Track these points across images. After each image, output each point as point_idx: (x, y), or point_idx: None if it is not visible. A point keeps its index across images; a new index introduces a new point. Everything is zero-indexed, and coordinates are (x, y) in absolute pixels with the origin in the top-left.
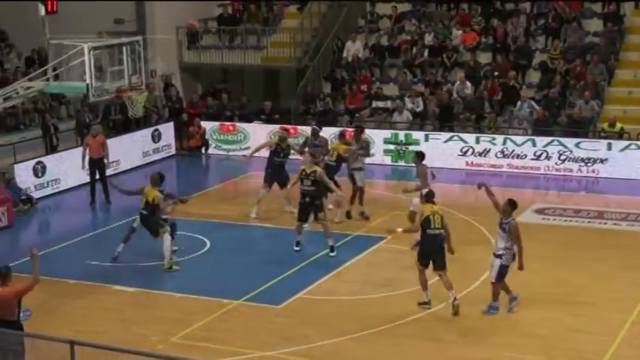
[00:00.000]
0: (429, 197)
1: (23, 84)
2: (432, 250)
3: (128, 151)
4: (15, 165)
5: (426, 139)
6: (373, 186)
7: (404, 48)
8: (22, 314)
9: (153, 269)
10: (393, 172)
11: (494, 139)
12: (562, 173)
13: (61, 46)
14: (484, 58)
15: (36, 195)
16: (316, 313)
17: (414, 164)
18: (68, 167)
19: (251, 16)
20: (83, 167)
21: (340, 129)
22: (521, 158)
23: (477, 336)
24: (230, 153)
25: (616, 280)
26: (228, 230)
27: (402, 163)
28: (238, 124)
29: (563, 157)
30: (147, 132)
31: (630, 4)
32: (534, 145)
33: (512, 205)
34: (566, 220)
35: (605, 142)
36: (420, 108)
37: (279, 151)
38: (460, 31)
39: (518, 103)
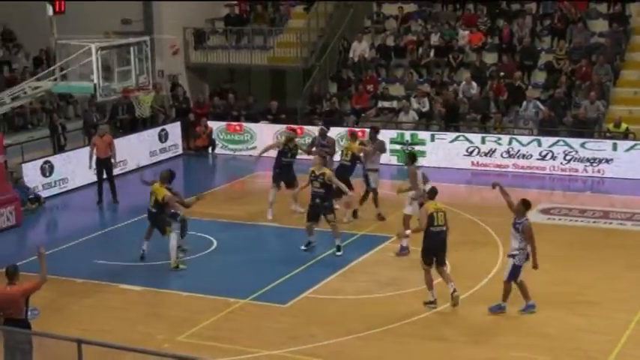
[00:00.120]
0: (432, 194)
1: (31, 84)
2: (436, 246)
3: (135, 150)
4: (23, 164)
5: (432, 139)
6: (379, 186)
7: (410, 48)
8: (29, 313)
9: (160, 268)
10: (398, 172)
11: (499, 139)
12: (567, 173)
13: (69, 46)
14: (490, 58)
15: (44, 194)
16: (322, 313)
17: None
18: (76, 167)
19: (258, 17)
20: (90, 167)
21: (349, 129)
22: (526, 158)
23: (482, 335)
24: (237, 153)
25: (621, 279)
26: (234, 230)
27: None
28: (245, 124)
29: (568, 157)
30: (154, 132)
31: (636, 5)
32: (540, 145)
33: (525, 205)
34: (571, 220)
35: (610, 142)
36: (426, 108)
37: (286, 151)
38: (467, 32)
39: (524, 103)
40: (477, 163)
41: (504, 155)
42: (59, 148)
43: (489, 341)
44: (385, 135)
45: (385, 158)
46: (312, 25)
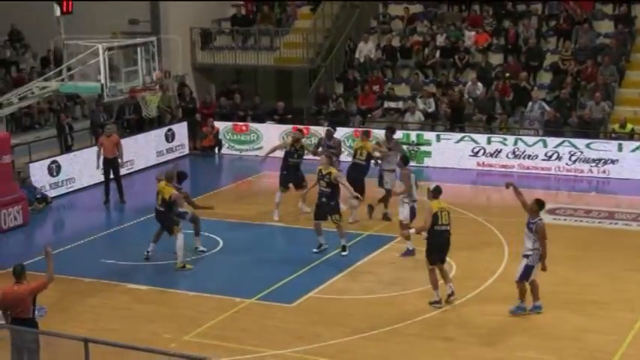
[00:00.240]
0: (436, 193)
1: (38, 84)
2: (440, 245)
3: (142, 150)
4: (30, 164)
5: (438, 139)
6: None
7: (416, 49)
8: (37, 312)
9: (166, 268)
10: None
11: (505, 139)
12: (573, 174)
13: (76, 47)
14: (495, 59)
15: (51, 194)
16: (328, 312)
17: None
18: (83, 166)
19: (264, 17)
20: (98, 167)
21: (355, 128)
22: (532, 159)
23: (487, 335)
24: (243, 153)
25: (627, 280)
26: (240, 229)
27: (413, 163)
28: (251, 125)
29: (573, 158)
30: (160, 132)
31: None
32: (545, 145)
33: (539, 204)
34: (576, 221)
35: (615, 142)
36: (432, 109)
37: (292, 152)
38: (473, 32)
39: (530, 104)
40: (483, 163)
41: (510, 156)
42: (66, 148)
43: (494, 341)
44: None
45: None
46: (319, 25)
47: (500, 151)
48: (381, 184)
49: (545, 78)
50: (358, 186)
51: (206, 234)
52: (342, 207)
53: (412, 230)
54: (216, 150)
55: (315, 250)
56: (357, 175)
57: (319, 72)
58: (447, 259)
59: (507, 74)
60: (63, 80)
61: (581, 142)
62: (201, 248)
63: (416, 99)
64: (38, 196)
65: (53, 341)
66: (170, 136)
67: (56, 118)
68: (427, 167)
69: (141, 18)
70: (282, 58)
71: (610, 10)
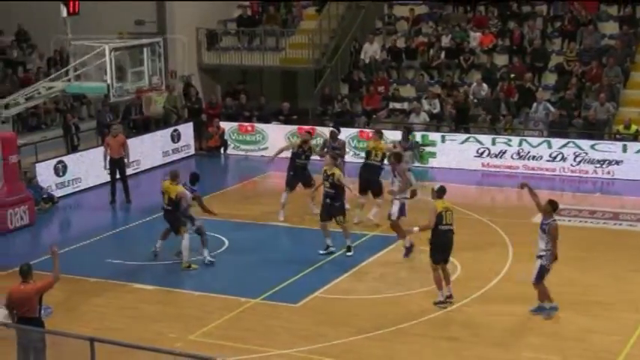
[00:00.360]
0: (440, 193)
1: (45, 84)
2: (444, 245)
3: (148, 151)
4: (36, 164)
5: (443, 140)
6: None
7: (421, 50)
8: (43, 311)
9: (172, 268)
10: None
11: (510, 140)
12: (577, 175)
13: (83, 47)
14: (500, 60)
15: (57, 194)
16: (333, 312)
17: (391, 165)
18: (89, 166)
19: (270, 18)
20: (105, 167)
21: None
22: (536, 160)
23: (492, 336)
24: (248, 153)
25: (631, 280)
26: (246, 230)
27: (417, 163)
28: (257, 125)
29: (578, 159)
30: (166, 132)
31: None
32: (550, 146)
33: (552, 205)
34: (581, 221)
35: (620, 144)
36: (437, 109)
37: (300, 153)
38: (478, 33)
39: (534, 105)
40: (488, 164)
41: (514, 157)
42: (72, 148)
43: (499, 341)
44: (396, 136)
45: None
46: (324, 26)
47: (504, 152)
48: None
49: (550, 79)
50: (375, 187)
51: (212, 234)
52: (347, 207)
53: (416, 228)
54: (222, 150)
55: (321, 251)
56: (370, 175)
57: (324, 73)
58: (452, 259)
59: (512, 75)
60: (69, 80)
61: (585, 143)
62: (209, 259)
63: (421, 100)
64: (44, 196)
65: (59, 340)
66: (176, 137)
67: (62, 119)
68: (432, 168)
69: (147, 19)
70: (287, 59)
71: (615, 11)
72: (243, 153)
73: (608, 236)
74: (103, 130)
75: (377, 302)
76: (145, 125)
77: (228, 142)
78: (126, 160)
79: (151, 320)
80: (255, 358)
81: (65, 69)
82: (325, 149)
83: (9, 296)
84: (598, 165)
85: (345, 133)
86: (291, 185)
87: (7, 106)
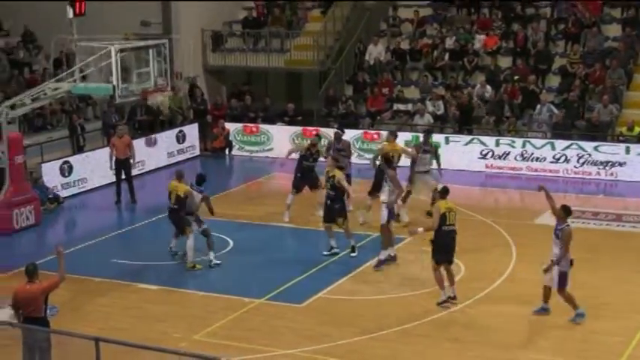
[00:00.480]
0: (443, 194)
1: (51, 85)
2: (447, 246)
3: (153, 151)
4: (42, 164)
5: (447, 141)
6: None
7: (425, 52)
8: (48, 311)
9: (176, 268)
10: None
11: (513, 142)
12: (581, 176)
13: (89, 48)
14: (504, 62)
15: (63, 194)
16: (337, 313)
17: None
18: (94, 167)
19: (275, 20)
20: (111, 168)
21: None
22: (540, 161)
23: (495, 336)
24: (253, 154)
25: (634, 282)
26: (250, 230)
27: (434, 166)
28: (261, 126)
29: (581, 161)
30: (172, 133)
31: None
32: (553, 148)
33: (566, 211)
34: (584, 223)
35: (623, 145)
36: (441, 111)
37: (308, 155)
38: (483, 36)
39: (538, 106)
40: (491, 165)
41: (518, 158)
42: (78, 149)
43: (502, 342)
44: (400, 137)
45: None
46: (329, 28)
47: (508, 154)
48: (410, 184)
49: (554, 81)
50: None
51: (216, 234)
52: (350, 208)
53: (420, 229)
54: (227, 151)
55: (325, 252)
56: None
57: (329, 74)
58: (456, 260)
59: (516, 77)
60: (75, 81)
61: (589, 145)
62: (215, 262)
63: (425, 101)
64: (50, 196)
65: (64, 340)
66: (181, 138)
67: (68, 119)
68: (436, 169)
69: (152, 20)
70: (292, 61)
71: (618, 13)
72: (247, 154)
73: (611, 238)
74: (108, 131)
75: (381, 303)
76: (150, 126)
77: (233, 143)
78: (132, 161)
79: (156, 320)
80: (260, 358)
81: (71, 70)
82: (330, 151)
83: (15, 296)
84: (601, 167)
85: (350, 135)
86: (297, 187)
87: (13, 107)
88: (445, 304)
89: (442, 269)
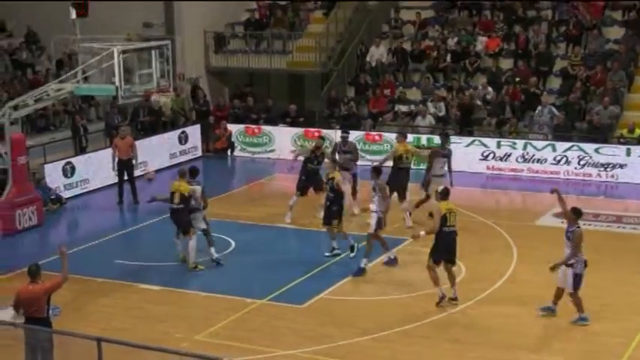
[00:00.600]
0: (444, 195)
1: (54, 86)
2: (447, 246)
3: (156, 152)
4: (45, 165)
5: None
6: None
7: (427, 53)
8: (51, 311)
9: (178, 268)
10: (414, 176)
11: (514, 143)
12: (581, 178)
13: (91, 49)
14: (506, 64)
15: (65, 195)
16: (338, 313)
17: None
18: (97, 168)
19: (277, 21)
20: (114, 169)
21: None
22: (541, 163)
23: (496, 337)
24: (255, 155)
25: (634, 283)
26: (252, 231)
27: (423, 166)
28: (263, 127)
29: (582, 162)
30: (174, 134)
31: None
32: (554, 150)
33: (576, 213)
34: (585, 224)
35: (624, 147)
36: (443, 112)
37: (313, 158)
38: (484, 38)
39: (539, 108)
40: (492, 167)
41: (519, 160)
42: (81, 150)
43: (502, 343)
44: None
45: None
46: (331, 30)
47: (509, 155)
48: (426, 188)
49: (555, 83)
50: (404, 191)
51: (218, 235)
52: (355, 211)
53: (422, 233)
54: (229, 152)
55: (327, 253)
56: (403, 179)
57: (331, 76)
58: (457, 261)
59: (517, 79)
60: (78, 82)
61: (589, 147)
62: (217, 256)
63: (427, 103)
64: (53, 197)
65: (66, 340)
66: (183, 139)
67: (71, 120)
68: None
69: (155, 21)
70: (294, 62)
71: (619, 16)
72: (249, 155)
73: (611, 239)
74: (111, 132)
75: (382, 304)
76: (152, 127)
77: (235, 144)
78: (134, 162)
79: (158, 320)
80: (261, 358)
81: (74, 71)
82: (336, 153)
83: (17, 296)
84: (602, 168)
85: (351, 136)
86: (302, 189)
87: (16, 108)
88: (442, 300)
89: (438, 270)
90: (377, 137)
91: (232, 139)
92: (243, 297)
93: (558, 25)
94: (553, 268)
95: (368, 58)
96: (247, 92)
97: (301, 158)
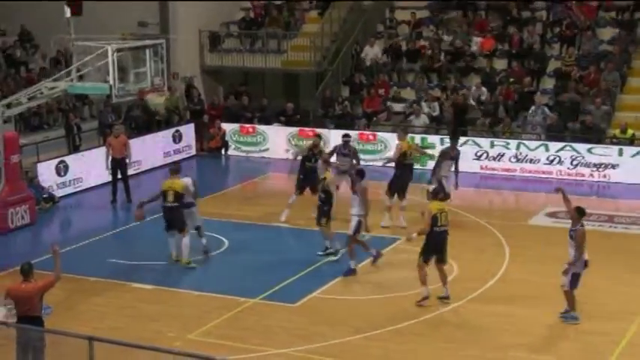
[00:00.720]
0: (435, 195)
1: (47, 84)
2: (438, 245)
3: (149, 151)
4: (38, 164)
5: (442, 142)
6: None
7: (421, 53)
8: (43, 310)
9: (171, 267)
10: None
11: (508, 143)
12: (574, 178)
13: (86, 48)
14: (500, 64)
15: (58, 193)
16: (331, 312)
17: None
18: (90, 166)
19: (272, 21)
20: (107, 167)
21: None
22: (534, 163)
23: (488, 336)
24: (249, 154)
25: (625, 283)
26: (246, 230)
27: (417, 166)
28: (258, 127)
29: (575, 162)
30: (168, 133)
31: None
32: (547, 150)
33: (579, 212)
34: None
35: (616, 148)
36: (437, 112)
37: (310, 156)
38: (479, 38)
39: (532, 108)
40: (486, 167)
41: (512, 160)
42: (74, 148)
43: (495, 342)
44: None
45: None
46: (326, 29)
47: (502, 155)
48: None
49: (549, 83)
50: (406, 188)
51: (212, 234)
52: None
53: (414, 235)
54: (223, 151)
55: (320, 252)
56: (408, 177)
57: (326, 75)
58: (450, 260)
59: (511, 79)
60: (72, 81)
61: (582, 147)
62: (204, 243)
63: (421, 102)
64: (45, 196)
65: (58, 339)
66: (177, 137)
67: (65, 119)
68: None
69: (150, 20)
70: (289, 61)
71: (613, 16)
72: (243, 154)
73: (603, 239)
74: (104, 131)
75: (374, 302)
76: (146, 126)
77: (229, 144)
78: (128, 161)
79: (150, 319)
80: (254, 357)
81: (68, 69)
82: (335, 155)
83: (7, 294)
84: (594, 168)
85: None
86: (300, 188)
87: (9, 106)
88: (424, 300)
89: (429, 269)
90: (371, 137)
91: (226, 138)
92: (236, 296)
93: (552, 25)
94: (565, 272)
95: (363, 58)
96: (242, 91)
97: (300, 157)
